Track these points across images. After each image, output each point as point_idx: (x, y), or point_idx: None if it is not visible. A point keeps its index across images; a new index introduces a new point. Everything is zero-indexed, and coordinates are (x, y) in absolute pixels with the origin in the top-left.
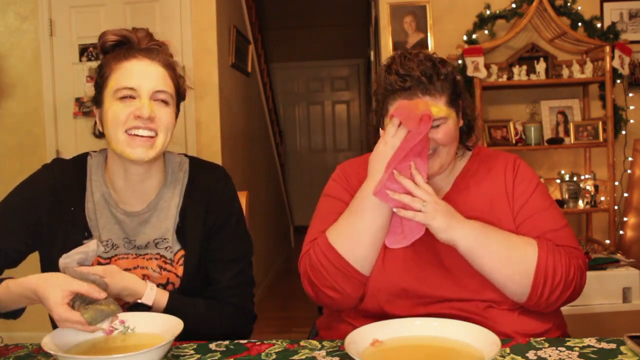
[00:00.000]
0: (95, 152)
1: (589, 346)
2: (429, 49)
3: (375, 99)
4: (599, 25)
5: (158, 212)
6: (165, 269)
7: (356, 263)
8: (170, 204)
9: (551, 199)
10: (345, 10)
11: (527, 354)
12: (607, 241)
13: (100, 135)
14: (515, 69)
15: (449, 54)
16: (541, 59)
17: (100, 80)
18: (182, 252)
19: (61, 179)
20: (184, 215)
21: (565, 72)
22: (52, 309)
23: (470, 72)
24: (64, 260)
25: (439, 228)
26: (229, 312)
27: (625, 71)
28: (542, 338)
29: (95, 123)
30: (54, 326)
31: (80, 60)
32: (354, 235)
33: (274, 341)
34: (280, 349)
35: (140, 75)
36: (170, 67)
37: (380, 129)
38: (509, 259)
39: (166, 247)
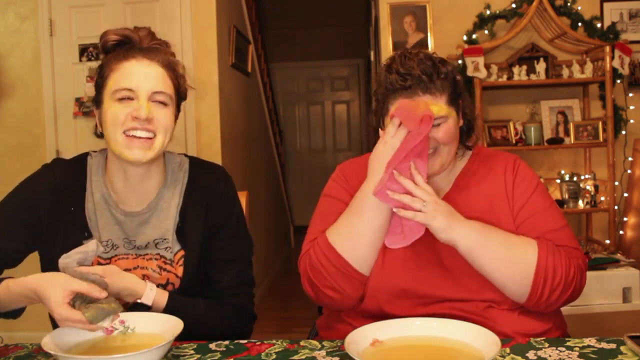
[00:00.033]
0: (95, 152)
1: (589, 346)
2: (429, 49)
3: (375, 99)
4: (599, 25)
5: (158, 213)
6: (165, 270)
7: (356, 263)
8: (170, 204)
9: (551, 199)
10: (345, 10)
11: (527, 354)
12: (607, 241)
13: (102, 135)
14: (515, 69)
15: (449, 54)
16: (541, 59)
17: (99, 80)
18: (182, 253)
19: (61, 178)
20: (183, 215)
21: (565, 72)
22: (53, 309)
23: (470, 72)
24: (63, 260)
25: (439, 228)
26: (229, 312)
27: (625, 71)
28: (542, 338)
29: (97, 123)
30: (54, 326)
31: (80, 60)
32: (354, 235)
33: (274, 341)
34: (280, 349)
35: (138, 76)
36: (170, 67)
37: (379, 129)
38: (509, 259)
39: (166, 248)
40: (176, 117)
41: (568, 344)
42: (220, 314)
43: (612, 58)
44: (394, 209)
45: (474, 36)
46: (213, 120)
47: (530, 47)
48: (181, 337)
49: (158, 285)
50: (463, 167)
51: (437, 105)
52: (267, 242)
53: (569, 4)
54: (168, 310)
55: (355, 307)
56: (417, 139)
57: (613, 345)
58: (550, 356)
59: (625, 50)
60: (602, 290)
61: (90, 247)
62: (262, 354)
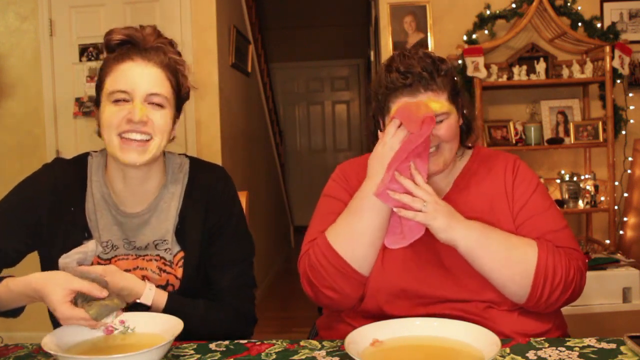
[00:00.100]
0: (95, 152)
1: (589, 346)
2: (429, 49)
3: (375, 99)
4: (599, 25)
5: (158, 214)
6: (164, 271)
7: (355, 263)
8: (170, 206)
9: (551, 200)
10: (345, 10)
11: (527, 354)
12: (607, 241)
13: None
14: (515, 69)
15: (449, 54)
16: (541, 59)
17: (98, 81)
18: (181, 254)
19: (62, 178)
20: (183, 216)
21: (565, 72)
22: (56, 308)
23: (470, 72)
24: (63, 260)
25: (439, 228)
26: (229, 315)
27: (625, 71)
28: (542, 338)
29: (97, 124)
30: (54, 326)
31: (80, 60)
32: (353, 236)
33: (274, 341)
34: (280, 349)
35: (134, 78)
36: (170, 67)
37: (379, 130)
38: (509, 260)
39: (165, 249)
40: (176, 118)
41: (568, 344)
42: (220, 316)
43: (612, 58)
44: (394, 209)
45: (474, 36)
46: (213, 120)
47: (530, 47)
48: (180, 338)
49: (158, 287)
50: (463, 167)
51: (439, 102)
52: (267, 242)
53: (569, 4)
54: (167, 310)
55: (355, 308)
56: (418, 140)
57: (613, 345)
58: (550, 356)
59: (625, 50)
60: (602, 290)
61: (89, 247)
62: (262, 354)
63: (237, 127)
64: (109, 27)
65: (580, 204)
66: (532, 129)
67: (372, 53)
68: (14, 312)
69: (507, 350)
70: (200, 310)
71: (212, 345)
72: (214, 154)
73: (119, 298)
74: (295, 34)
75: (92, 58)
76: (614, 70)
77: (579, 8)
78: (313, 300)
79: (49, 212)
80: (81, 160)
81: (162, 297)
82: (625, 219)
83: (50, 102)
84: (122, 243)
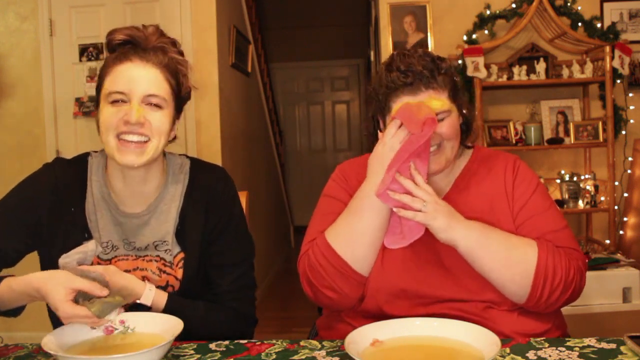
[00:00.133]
0: (96, 152)
1: (589, 346)
2: (429, 49)
3: (375, 99)
4: (599, 25)
5: (158, 214)
6: (164, 272)
7: (355, 263)
8: (171, 206)
9: (551, 200)
10: (345, 10)
11: (527, 354)
12: (607, 241)
13: None
14: (515, 69)
15: (449, 54)
16: (541, 59)
17: (98, 82)
18: (181, 255)
19: (62, 178)
20: (183, 217)
21: (565, 72)
22: (58, 307)
23: (470, 72)
24: (63, 260)
25: (439, 228)
26: (229, 316)
27: (625, 71)
28: (542, 338)
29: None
30: (54, 326)
31: (80, 60)
32: (353, 236)
33: (274, 341)
34: (280, 349)
35: (131, 79)
36: (169, 67)
37: (378, 131)
38: (509, 260)
39: (166, 250)
40: (176, 118)
41: (568, 344)
42: (220, 317)
43: (612, 58)
44: (394, 209)
45: (474, 36)
46: (213, 120)
47: (530, 47)
48: (180, 339)
49: (158, 287)
50: (463, 167)
51: (440, 100)
52: (267, 242)
53: (569, 4)
54: (167, 311)
55: (355, 308)
56: (419, 141)
57: (613, 345)
58: (550, 356)
59: (625, 50)
60: (602, 290)
61: (89, 247)
62: (262, 354)
63: (237, 127)
64: (109, 27)
65: (580, 204)
66: (532, 129)
67: (372, 53)
68: (15, 312)
69: (507, 350)
70: (200, 312)
71: (212, 345)
72: (214, 154)
73: (119, 295)
74: (295, 34)
75: (92, 58)
76: (614, 70)
77: (579, 8)
78: (313, 300)
79: (49, 212)
80: (81, 160)
81: (162, 298)
82: (625, 219)
83: (50, 102)
84: (122, 243)
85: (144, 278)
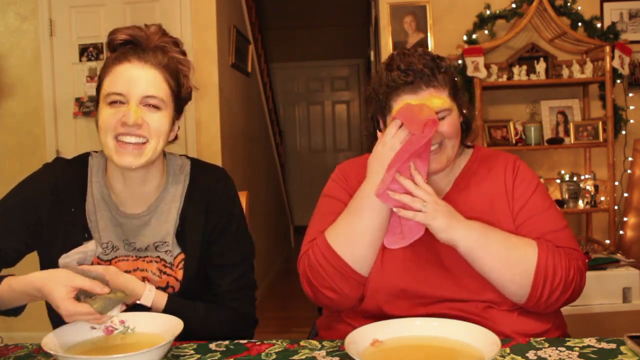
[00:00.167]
0: (96, 152)
1: (589, 346)
2: (429, 49)
3: (375, 98)
4: (599, 25)
5: (158, 215)
6: (165, 273)
7: (355, 264)
8: (171, 207)
9: (551, 200)
10: (345, 10)
11: (527, 354)
12: (607, 241)
13: None
14: (515, 69)
15: (449, 54)
16: (541, 59)
17: (98, 82)
18: (182, 256)
19: (62, 178)
20: (184, 218)
21: (565, 72)
22: (60, 305)
23: (470, 72)
24: (63, 260)
25: (439, 228)
26: (230, 317)
27: (625, 71)
28: (542, 338)
29: None
30: (54, 326)
31: (80, 60)
32: (353, 236)
33: (274, 341)
34: (280, 349)
35: (129, 80)
36: (169, 68)
37: (378, 131)
38: (509, 260)
39: (166, 251)
40: (176, 119)
41: (568, 344)
42: (220, 318)
43: (612, 58)
44: (394, 209)
45: (474, 36)
46: (213, 120)
47: (530, 47)
48: (180, 339)
49: (158, 288)
50: (463, 167)
51: (441, 99)
52: (267, 242)
53: (569, 4)
54: (167, 312)
55: (355, 308)
56: (420, 142)
57: (613, 345)
58: (550, 356)
59: (625, 50)
60: (602, 290)
61: (89, 247)
62: (262, 354)
63: (237, 127)
64: (109, 27)
65: (580, 204)
66: (532, 129)
67: (372, 53)
68: (15, 311)
69: (507, 350)
70: (200, 312)
71: (212, 345)
72: (214, 154)
73: (121, 290)
74: (295, 34)
75: (92, 58)
76: (614, 70)
77: (579, 8)
78: (313, 301)
79: (49, 212)
80: (82, 160)
81: (161, 299)
82: (625, 219)
83: (50, 102)
84: (122, 244)
85: (144, 279)
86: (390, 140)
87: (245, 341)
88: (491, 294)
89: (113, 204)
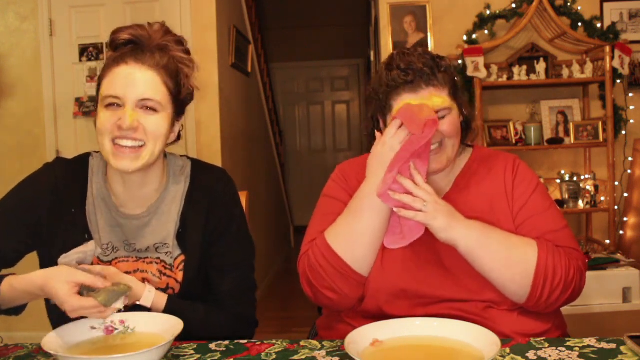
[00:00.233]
0: (97, 152)
1: (589, 346)
2: (429, 49)
3: (375, 98)
4: (599, 25)
5: (159, 216)
6: (165, 274)
7: (354, 264)
8: (171, 208)
9: (551, 200)
10: (345, 10)
11: (527, 354)
12: (607, 241)
13: None
14: (515, 69)
15: (449, 54)
16: (541, 59)
17: (97, 83)
18: (182, 258)
19: (62, 178)
20: (184, 219)
21: (565, 72)
22: (64, 301)
23: (470, 72)
24: (63, 260)
25: (439, 228)
26: (229, 319)
27: (625, 71)
28: (542, 338)
29: None
30: (54, 326)
31: (80, 60)
32: (353, 236)
33: (274, 341)
34: (280, 349)
35: (126, 82)
36: (167, 69)
37: (376, 131)
38: (509, 259)
39: (166, 253)
40: (176, 120)
41: (568, 344)
42: (221, 319)
43: (612, 58)
44: (395, 209)
45: (474, 36)
46: (213, 120)
47: (530, 47)
48: (180, 339)
49: (158, 289)
50: (463, 167)
51: (441, 97)
52: (267, 242)
53: (569, 4)
54: (167, 313)
55: (355, 308)
56: (420, 142)
57: (613, 345)
58: (550, 356)
59: (625, 50)
60: (602, 290)
61: (89, 247)
62: (262, 354)
63: (237, 127)
64: (109, 27)
65: (580, 204)
66: (532, 129)
67: (372, 53)
68: (17, 310)
69: (507, 350)
70: (200, 314)
71: (212, 345)
72: (214, 154)
73: (123, 283)
74: (295, 34)
75: (92, 58)
76: (614, 70)
77: (579, 8)
78: (312, 301)
79: (49, 212)
80: (82, 161)
81: (161, 300)
82: (625, 219)
83: (50, 102)
84: (122, 245)
85: (143, 280)
86: (390, 140)
87: (245, 341)
88: (491, 294)
89: (113, 205)
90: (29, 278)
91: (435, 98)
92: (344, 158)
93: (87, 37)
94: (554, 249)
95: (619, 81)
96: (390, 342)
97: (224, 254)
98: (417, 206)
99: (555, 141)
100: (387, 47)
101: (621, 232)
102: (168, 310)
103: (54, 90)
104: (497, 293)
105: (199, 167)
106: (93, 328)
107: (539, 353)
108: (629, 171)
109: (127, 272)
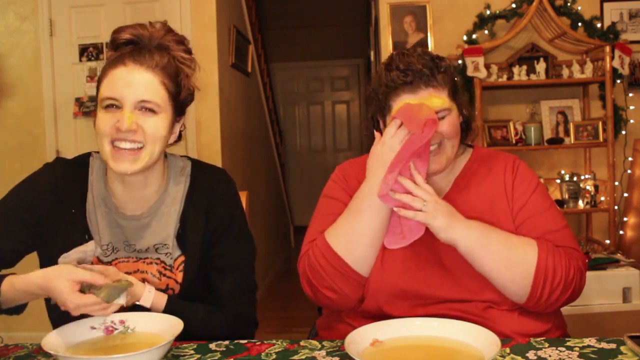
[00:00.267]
0: (97, 152)
1: (589, 346)
2: (429, 49)
3: (375, 99)
4: (599, 25)
5: (159, 217)
6: (164, 275)
7: (355, 264)
8: (171, 209)
9: (551, 200)
10: (345, 10)
11: (527, 354)
12: (607, 241)
13: None
14: (515, 69)
15: (449, 54)
16: (541, 59)
17: (97, 85)
18: (182, 258)
19: (63, 178)
20: (184, 219)
21: (565, 72)
22: (66, 299)
23: (470, 72)
24: (63, 260)
25: (439, 228)
26: (230, 320)
27: (625, 71)
28: (542, 338)
29: None
30: (54, 326)
31: (80, 60)
32: (353, 236)
33: (274, 341)
34: (280, 349)
35: (124, 84)
36: (166, 70)
37: (375, 131)
38: (509, 259)
39: (166, 253)
40: (175, 121)
41: (568, 344)
42: (221, 320)
43: (612, 58)
44: (395, 209)
45: (474, 36)
46: (213, 120)
47: (530, 47)
48: (180, 339)
49: (157, 290)
50: (463, 167)
51: (440, 98)
52: (267, 242)
53: (569, 4)
54: (166, 313)
55: (355, 308)
56: (420, 142)
57: (613, 345)
58: (550, 356)
59: (625, 50)
60: (602, 290)
61: (89, 247)
62: (262, 354)
63: (237, 127)
64: (109, 27)
65: (580, 204)
66: (532, 129)
67: (372, 53)
68: (17, 309)
69: (507, 350)
70: (200, 314)
71: (212, 345)
72: (214, 154)
73: (124, 278)
74: (295, 34)
75: (92, 58)
76: (614, 70)
77: (579, 8)
78: (313, 301)
79: (49, 212)
80: (82, 161)
81: (161, 300)
82: (625, 219)
83: (50, 102)
84: (122, 245)
85: (143, 280)
86: (390, 140)
87: (245, 341)
88: (491, 294)
89: (113, 206)
90: (29, 277)
91: (434, 99)
92: (344, 158)
93: (87, 37)
94: (554, 249)
95: (619, 81)
96: (390, 342)
97: (224, 255)
98: (417, 206)
99: (555, 141)
100: (387, 47)
101: (621, 232)
102: (168, 310)
103: (54, 90)
104: (497, 293)
105: (199, 168)
106: (93, 328)
107: (539, 353)
108: (629, 171)
109: (127, 273)
